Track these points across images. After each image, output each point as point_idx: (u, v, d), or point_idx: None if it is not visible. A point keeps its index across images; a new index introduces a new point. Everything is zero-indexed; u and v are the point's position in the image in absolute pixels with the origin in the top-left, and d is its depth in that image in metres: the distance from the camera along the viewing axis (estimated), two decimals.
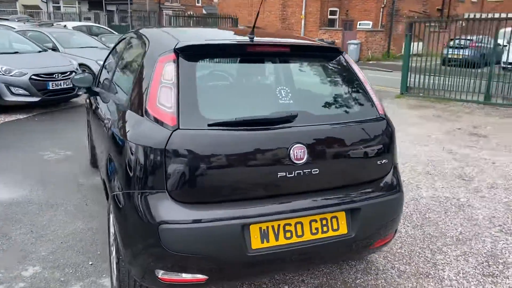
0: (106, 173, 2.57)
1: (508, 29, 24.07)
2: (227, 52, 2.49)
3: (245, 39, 2.53)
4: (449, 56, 21.45)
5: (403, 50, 26.34)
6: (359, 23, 26.43)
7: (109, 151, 2.61)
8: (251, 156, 2.18)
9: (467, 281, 2.97)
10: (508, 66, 12.14)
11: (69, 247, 3.24)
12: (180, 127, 2.09)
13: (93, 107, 3.93)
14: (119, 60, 3.37)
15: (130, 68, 2.97)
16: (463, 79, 10.73)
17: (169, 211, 2.10)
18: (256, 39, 2.47)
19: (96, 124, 3.56)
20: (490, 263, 3.20)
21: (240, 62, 2.55)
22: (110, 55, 4.14)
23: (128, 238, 2.22)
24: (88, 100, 4.58)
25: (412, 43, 11.59)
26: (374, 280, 2.94)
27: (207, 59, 2.42)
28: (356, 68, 2.68)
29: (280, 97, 2.39)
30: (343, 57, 2.70)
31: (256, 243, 2.17)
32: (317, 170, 2.30)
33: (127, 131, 2.31)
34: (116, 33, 16.94)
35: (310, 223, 2.28)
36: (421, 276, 3.01)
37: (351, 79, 2.63)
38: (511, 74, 10.49)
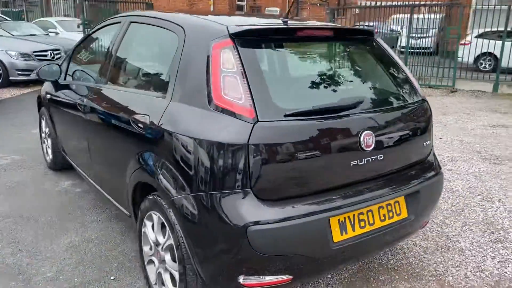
0: (149, 174, 2.28)
1: (400, 15, 26.02)
2: (279, 37, 2.32)
3: (292, 23, 2.40)
4: None
5: None
6: (267, 9, 26.85)
7: (145, 151, 2.33)
8: (328, 145, 2.08)
9: (483, 249, 3.15)
10: (403, 49, 13.19)
11: (77, 263, 2.85)
12: (260, 120, 1.91)
13: (66, 103, 3.52)
14: (120, 49, 2.97)
15: (155, 57, 2.68)
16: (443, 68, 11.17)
17: (256, 210, 1.92)
18: (292, 23, 2.37)
19: (84, 122, 3.14)
20: (491, 230, 3.44)
21: (293, 47, 2.40)
22: (85, 45, 3.68)
23: (205, 245, 2.00)
24: (47, 95, 4.03)
25: None
26: (406, 259, 3.00)
27: (262, 45, 2.24)
28: (391, 51, 2.67)
29: (340, 82, 2.32)
30: (377, 40, 2.67)
31: (337, 235, 2.08)
32: (382, 156, 2.26)
33: (189, 126, 2.05)
34: (9, 19, 15.15)
35: (378, 210, 2.25)
36: (443, 249, 3.14)
37: (391, 62, 2.61)
38: (406, 57, 11.23)
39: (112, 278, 2.70)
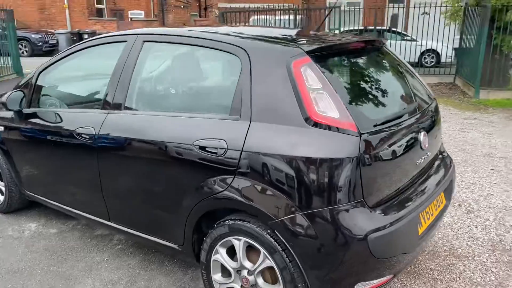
0: (230, 201, 2.20)
1: (258, 17, 27.63)
2: (340, 51, 2.43)
3: (341, 37, 2.55)
4: None
5: None
6: (130, 13, 25.91)
7: (219, 177, 2.24)
8: (405, 148, 2.27)
9: (463, 220, 3.66)
10: None
11: None
12: (362, 132, 2.02)
13: (46, 134, 3.12)
14: (139, 71, 2.72)
15: (206, 79, 2.56)
16: None
17: (371, 218, 2.04)
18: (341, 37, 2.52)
19: (91, 155, 2.81)
20: (458, 203, 3.99)
21: (350, 59, 2.51)
22: (60, 69, 3.27)
23: (323, 260, 2.03)
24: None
25: None
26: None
27: (331, 60, 2.33)
28: (399, 56, 2.96)
29: (392, 89, 2.52)
30: (387, 47, 2.93)
31: (420, 229, 2.29)
32: (429, 153, 2.54)
33: (287, 145, 2.04)
34: None
35: (435, 201, 2.52)
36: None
37: (405, 66, 2.89)
38: None
39: None
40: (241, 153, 2.15)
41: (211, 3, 34.63)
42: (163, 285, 2.82)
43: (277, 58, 2.19)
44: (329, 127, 2.00)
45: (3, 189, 3.73)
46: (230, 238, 2.28)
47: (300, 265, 2.07)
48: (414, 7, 12.77)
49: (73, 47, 3.17)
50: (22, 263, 3.09)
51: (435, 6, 11.03)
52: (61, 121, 3.07)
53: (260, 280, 2.24)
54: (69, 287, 2.82)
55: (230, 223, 2.26)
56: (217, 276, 2.43)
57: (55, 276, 2.93)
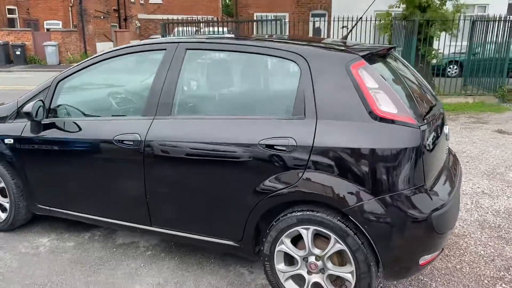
0: (299, 193, 2.43)
1: (182, 28, 27.52)
2: (377, 55, 2.75)
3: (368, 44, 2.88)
4: None
5: (97, 50, 26.38)
6: (46, 23, 24.65)
7: (283, 173, 2.45)
8: (440, 139, 2.67)
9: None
10: None
11: None
12: (420, 125, 2.35)
13: (75, 144, 3.14)
14: (186, 77, 2.83)
15: (264, 83, 2.74)
16: None
17: (432, 199, 2.37)
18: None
19: (133, 162, 2.86)
20: None
21: (384, 62, 2.83)
22: (84, 77, 3.25)
23: (395, 238, 2.31)
24: (6, 140, 3.36)
25: None
26: None
27: (376, 63, 2.65)
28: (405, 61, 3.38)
29: (417, 87, 2.90)
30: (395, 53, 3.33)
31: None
32: (448, 144, 2.97)
33: (356, 139, 2.32)
34: None
35: None
36: None
37: (411, 68, 3.30)
38: None
39: None
40: (311, 148, 2.38)
41: (131, 14, 33.94)
42: (212, 283, 2.93)
43: (336, 62, 2.46)
44: (392, 121, 2.31)
45: (7, 205, 3.55)
46: (298, 228, 2.49)
47: (374, 245, 2.34)
48: (334, 20, 13.65)
49: (97, 56, 3.18)
50: (54, 277, 3.01)
51: (352, 20, 11.97)
52: (93, 129, 3.06)
53: (329, 264, 2.47)
54: None
55: (298, 214, 2.47)
56: (280, 266, 2.62)
57: (98, 285, 2.91)
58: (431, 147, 2.43)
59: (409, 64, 3.31)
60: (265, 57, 2.69)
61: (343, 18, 12.42)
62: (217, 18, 18.29)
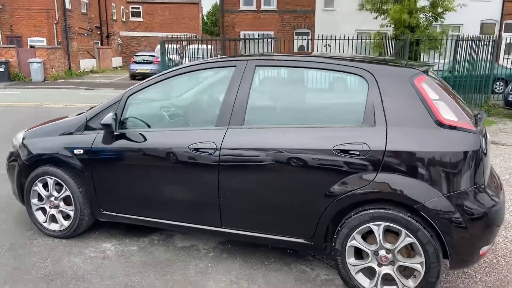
0: (372, 192, 2.77)
1: (169, 45, 27.34)
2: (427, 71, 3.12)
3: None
4: (138, 71, 23.35)
5: (81, 67, 26.36)
6: (30, 40, 24.56)
7: (355, 174, 2.79)
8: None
9: None
10: None
11: None
12: (476, 130, 2.73)
13: (150, 152, 3.39)
14: (255, 92, 3.15)
15: (334, 96, 3.06)
16: None
17: (491, 196, 2.74)
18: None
19: (210, 168, 3.15)
20: None
21: (431, 77, 3.18)
22: (154, 92, 3.53)
23: (462, 229, 2.65)
24: (77, 150, 3.58)
25: (166, 61, 12.21)
26: None
27: (430, 77, 3.01)
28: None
29: (461, 100, 3.28)
30: None
31: None
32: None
33: (426, 143, 2.68)
34: None
35: None
36: None
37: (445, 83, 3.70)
38: None
39: None
40: (384, 152, 2.73)
41: (113, 31, 34.06)
42: (280, 278, 3.22)
43: (401, 77, 2.85)
44: (454, 128, 2.69)
45: (71, 213, 3.75)
46: (369, 224, 2.82)
47: (443, 238, 2.68)
48: (317, 39, 14.18)
49: (168, 73, 3.47)
50: (132, 277, 3.23)
51: (335, 39, 12.57)
52: (166, 139, 3.33)
53: (399, 256, 2.80)
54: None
55: (370, 212, 2.80)
56: (351, 260, 2.93)
57: (177, 284, 3.14)
58: (485, 150, 2.80)
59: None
60: (333, 73, 3.04)
61: (326, 36, 13.04)
62: (211, 36, 18.58)
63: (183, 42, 14.22)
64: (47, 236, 3.88)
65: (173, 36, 14.58)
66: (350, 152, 2.80)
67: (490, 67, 10.51)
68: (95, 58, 30.21)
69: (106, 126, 3.34)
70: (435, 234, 2.71)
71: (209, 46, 18.81)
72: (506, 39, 11.34)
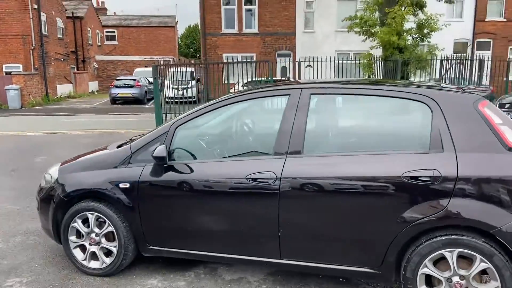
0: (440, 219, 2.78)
1: (141, 69, 28.06)
2: None
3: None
4: (119, 95, 23.09)
5: (58, 92, 25.89)
6: (5, 66, 24.01)
7: (434, 202, 2.79)
8: None
9: None
10: (168, 100, 14.60)
11: None
12: None
13: (208, 184, 3.32)
14: (314, 119, 3.14)
15: (396, 123, 3.09)
16: None
17: None
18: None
19: (272, 199, 3.09)
20: None
21: None
22: (204, 122, 3.47)
23: None
24: (122, 184, 3.47)
25: (158, 86, 12.08)
26: None
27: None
28: None
29: None
30: None
31: None
32: None
33: (500, 168, 2.72)
34: None
35: None
36: None
37: None
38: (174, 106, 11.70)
39: None
40: (456, 179, 2.74)
41: (89, 55, 33.71)
42: None
43: (465, 103, 2.90)
44: None
45: (113, 249, 3.61)
46: (442, 251, 2.81)
47: None
48: (299, 61, 14.36)
49: (216, 103, 3.43)
50: None
51: (317, 61, 12.84)
52: (219, 169, 3.27)
53: (474, 282, 2.80)
54: None
55: (443, 238, 2.80)
56: None
57: None
58: None
59: None
60: (391, 99, 3.07)
61: (308, 58, 13.29)
62: (200, 60, 18.59)
63: (175, 66, 14.08)
64: (86, 275, 3.70)
65: (164, 60, 14.54)
66: (420, 178, 2.81)
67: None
68: (71, 83, 29.73)
69: (159, 159, 3.25)
70: (510, 258, 2.72)
71: (191, 69, 18.85)
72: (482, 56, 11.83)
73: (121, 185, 3.47)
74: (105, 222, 3.60)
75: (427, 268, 2.87)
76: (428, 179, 2.79)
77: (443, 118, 2.88)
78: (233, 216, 3.28)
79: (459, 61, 11.07)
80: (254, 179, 3.12)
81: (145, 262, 3.88)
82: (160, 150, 3.25)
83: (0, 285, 3.57)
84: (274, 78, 14.81)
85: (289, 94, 3.25)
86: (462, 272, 2.80)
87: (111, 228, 3.57)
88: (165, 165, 3.37)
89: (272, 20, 22.86)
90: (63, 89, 27.85)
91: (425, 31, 11.79)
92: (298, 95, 3.21)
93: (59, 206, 3.70)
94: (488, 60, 11.43)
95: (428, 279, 2.93)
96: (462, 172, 2.74)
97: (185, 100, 12.42)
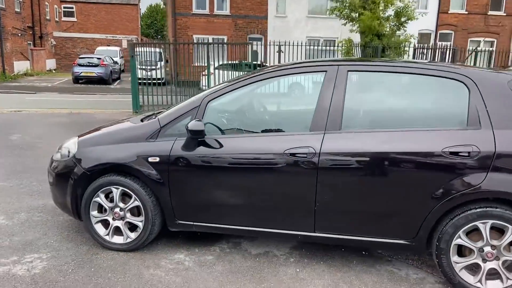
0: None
1: (103, 48, 27.32)
2: None
3: None
4: (82, 74, 22.29)
5: (15, 70, 24.74)
6: None
7: (468, 176, 2.93)
8: None
9: None
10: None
11: None
12: None
13: (250, 158, 3.30)
14: (352, 96, 3.20)
15: (433, 100, 3.18)
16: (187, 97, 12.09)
17: None
18: None
19: (311, 173, 3.14)
20: None
21: None
22: (238, 97, 3.45)
23: None
24: (152, 158, 3.41)
25: (136, 65, 11.75)
26: None
27: None
28: None
29: None
30: None
31: None
32: None
33: None
34: None
35: None
36: None
37: None
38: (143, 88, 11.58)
39: None
40: (493, 154, 2.89)
41: (47, 31, 32.24)
42: (373, 278, 3.29)
43: (500, 81, 3.04)
44: None
45: (140, 224, 3.55)
46: (476, 223, 2.96)
47: None
48: (270, 44, 14.38)
49: (250, 77, 3.41)
50: (227, 286, 3.13)
51: (288, 45, 12.94)
52: (256, 144, 3.27)
53: (505, 252, 2.97)
54: None
55: (478, 210, 2.95)
56: (455, 258, 3.06)
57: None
58: None
59: None
60: (429, 78, 3.16)
61: (279, 42, 13.33)
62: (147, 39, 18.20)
63: (143, 46, 13.68)
64: (109, 250, 3.63)
65: (128, 40, 14.10)
66: (459, 154, 2.93)
67: None
68: (29, 60, 28.34)
69: (195, 133, 3.21)
70: None
71: (159, 50, 18.46)
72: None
73: (150, 159, 3.40)
74: (129, 196, 3.53)
75: (461, 239, 3.02)
76: (467, 155, 2.92)
77: (480, 96, 3.01)
78: (268, 191, 3.30)
79: (432, 49, 11.47)
80: (292, 154, 3.15)
81: (164, 237, 3.84)
82: (197, 124, 3.21)
83: (19, 261, 3.44)
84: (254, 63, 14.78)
85: (325, 71, 3.28)
86: (494, 242, 2.97)
87: (137, 203, 3.50)
88: (199, 139, 3.33)
89: (244, 3, 22.67)
90: (20, 66, 26.51)
91: (403, 19, 12.13)
92: (335, 72, 3.25)
93: (80, 181, 3.58)
94: (459, 51, 11.92)
95: (459, 249, 3.08)
96: (499, 148, 2.89)
97: (153, 81, 12.11)
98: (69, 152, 3.70)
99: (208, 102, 3.42)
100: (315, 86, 3.30)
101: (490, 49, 23.05)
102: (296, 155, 3.15)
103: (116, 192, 3.53)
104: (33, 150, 7.28)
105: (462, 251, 3.10)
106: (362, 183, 3.13)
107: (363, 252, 3.70)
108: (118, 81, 24.94)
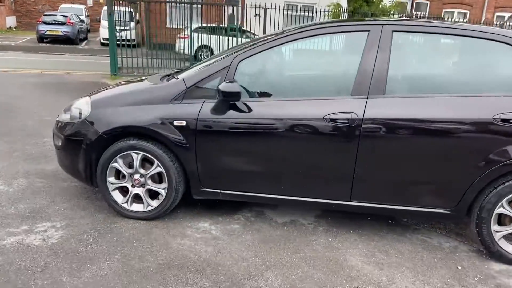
0: None
1: (67, 5, 25.99)
2: None
3: None
4: (48, 33, 21.10)
5: None
6: None
7: None
8: None
9: None
10: (106, 42, 13.66)
11: None
12: None
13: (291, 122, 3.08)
14: (397, 60, 3.02)
15: (482, 64, 3.07)
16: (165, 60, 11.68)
17: None
18: None
19: (351, 139, 3.00)
20: None
21: None
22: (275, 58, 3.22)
23: None
24: (177, 121, 3.16)
25: (114, 23, 11.09)
26: None
27: None
28: None
29: None
30: None
31: None
32: None
33: None
34: None
35: None
36: None
37: None
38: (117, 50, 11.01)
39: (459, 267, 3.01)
40: None
41: None
42: (408, 247, 3.23)
43: None
44: None
45: (162, 191, 3.32)
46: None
47: None
48: (247, 7, 13.83)
49: (284, 36, 3.18)
50: (266, 257, 3.00)
51: (265, 8, 12.57)
52: (295, 109, 3.07)
53: None
54: (340, 262, 2.96)
55: None
56: (495, 227, 3.03)
57: (316, 260, 2.99)
58: None
59: None
60: (477, 40, 3.02)
61: (255, 5, 12.88)
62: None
63: (125, 3, 12.92)
64: (128, 219, 3.40)
65: None
66: (511, 121, 2.84)
67: None
68: None
69: (230, 95, 2.98)
70: None
71: (129, 9, 17.53)
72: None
73: (175, 123, 3.15)
74: (150, 162, 3.29)
75: (503, 207, 2.97)
76: None
77: None
78: (304, 158, 3.12)
79: (414, 18, 11.41)
80: (333, 120, 2.98)
81: (184, 206, 3.64)
82: (231, 85, 2.97)
83: (31, 230, 3.17)
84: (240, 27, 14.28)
85: (368, 30, 3.08)
86: None
87: (160, 169, 3.26)
88: (230, 102, 3.10)
89: None
90: None
91: None
92: (379, 32, 3.06)
93: (95, 145, 3.29)
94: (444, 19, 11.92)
95: (499, 218, 3.05)
96: None
97: (123, 43, 11.51)
98: (80, 113, 3.39)
99: (239, 62, 3.17)
100: (354, 48, 3.11)
101: (464, 20, 23.39)
102: (337, 120, 2.98)
103: (136, 157, 3.27)
104: (15, 112, 6.79)
105: (501, 220, 3.06)
106: (405, 151, 3.00)
107: (390, 221, 3.64)
108: (85, 41, 23.71)
